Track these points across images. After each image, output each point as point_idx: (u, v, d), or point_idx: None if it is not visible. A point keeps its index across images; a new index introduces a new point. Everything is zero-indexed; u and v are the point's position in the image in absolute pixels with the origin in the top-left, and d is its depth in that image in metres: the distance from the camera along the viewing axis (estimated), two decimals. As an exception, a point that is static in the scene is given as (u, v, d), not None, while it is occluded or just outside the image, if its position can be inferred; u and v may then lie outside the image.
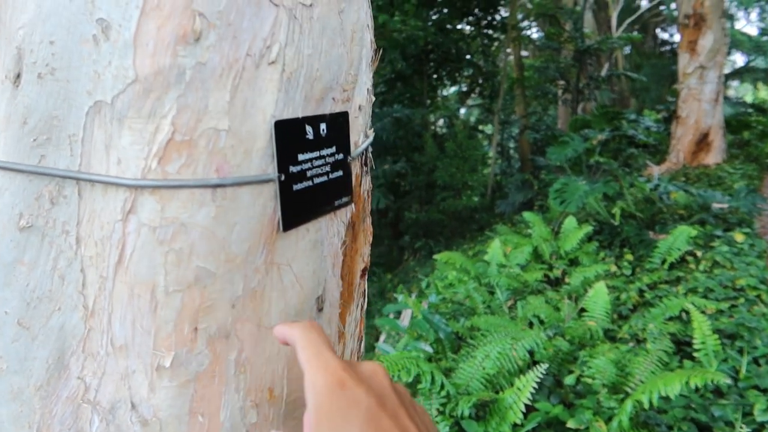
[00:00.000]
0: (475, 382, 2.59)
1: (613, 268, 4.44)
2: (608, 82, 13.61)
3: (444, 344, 3.08)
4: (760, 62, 19.07)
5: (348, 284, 0.61)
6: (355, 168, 0.61)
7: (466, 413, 2.29)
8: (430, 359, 3.03)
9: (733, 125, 9.01)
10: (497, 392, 2.56)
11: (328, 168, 0.53)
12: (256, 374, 0.50)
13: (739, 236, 4.41)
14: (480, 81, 13.51)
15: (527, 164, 11.59)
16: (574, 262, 4.83)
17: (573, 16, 12.29)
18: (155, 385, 0.47)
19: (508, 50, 13.17)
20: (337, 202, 0.55)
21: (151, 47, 0.42)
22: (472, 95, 14.66)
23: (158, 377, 0.47)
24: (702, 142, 7.70)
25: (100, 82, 0.44)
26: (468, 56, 13.06)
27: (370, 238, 0.69)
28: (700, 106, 7.61)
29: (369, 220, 0.68)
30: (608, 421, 2.27)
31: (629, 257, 4.63)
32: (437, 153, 11.13)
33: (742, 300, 3.47)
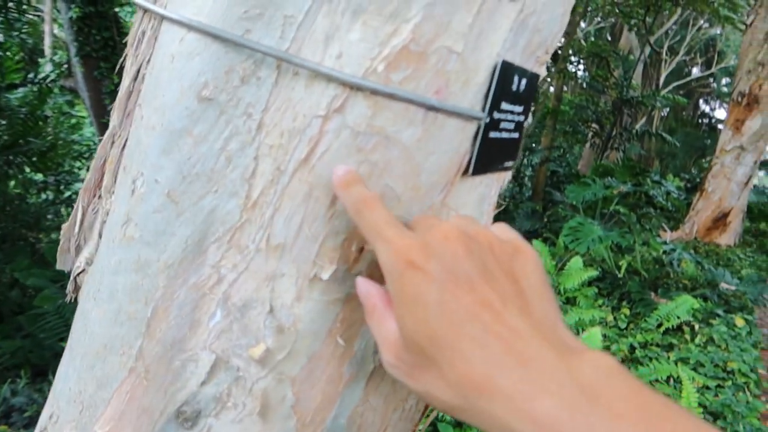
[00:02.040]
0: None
1: (609, 318, 4.43)
2: (640, 138, 13.61)
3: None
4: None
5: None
6: (519, 136, 0.58)
7: (448, 417, 2.27)
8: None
9: (753, 212, 9.01)
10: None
11: (512, 126, 0.51)
12: (399, 312, 0.47)
13: (739, 321, 4.41)
14: (516, 102, 13.42)
15: (539, 195, 11.56)
16: (570, 301, 4.82)
17: (625, 64, 12.25)
18: (303, 295, 0.44)
19: (549, 80, 13.09)
20: (506, 164, 0.53)
21: (414, -55, 0.40)
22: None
23: (309, 288, 0.44)
24: (720, 221, 7.69)
25: (343, -32, 0.41)
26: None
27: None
28: (729, 185, 7.59)
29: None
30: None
31: (626, 311, 4.62)
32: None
33: (729, 383, 3.46)
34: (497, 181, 0.53)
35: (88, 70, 6.15)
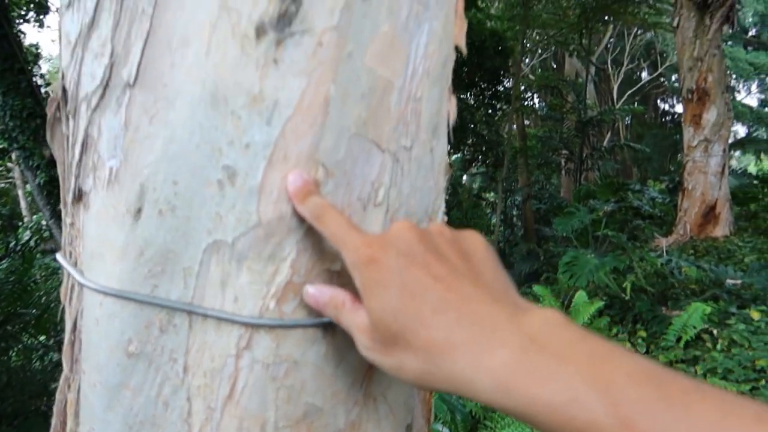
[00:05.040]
0: (495, 466, 2.52)
1: (627, 345, 4.38)
2: (611, 153, 13.89)
3: (458, 426, 3.01)
4: (761, 133, 19.46)
5: (426, 404, 0.62)
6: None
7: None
8: (446, 439, 2.96)
9: (739, 197, 9.08)
10: (518, 477, 2.48)
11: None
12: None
13: (755, 314, 4.37)
14: (483, 149, 13.69)
15: (531, 233, 11.60)
16: (586, 336, 4.76)
17: (575, 87, 12.67)
18: None
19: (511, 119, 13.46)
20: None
21: (275, 195, 0.45)
22: (475, 163, 14.83)
23: None
24: (709, 215, 7.75)
25: (221, 223, 0.47)
26: (472, 125, 13.30)
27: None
28: (706, 178, 7.71)
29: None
30: None
31: (642, 334, 4.57)
32: (443, 220, 11.09)
33: (762, 381, 3.41)
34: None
35: (65, 232, 6.23)
